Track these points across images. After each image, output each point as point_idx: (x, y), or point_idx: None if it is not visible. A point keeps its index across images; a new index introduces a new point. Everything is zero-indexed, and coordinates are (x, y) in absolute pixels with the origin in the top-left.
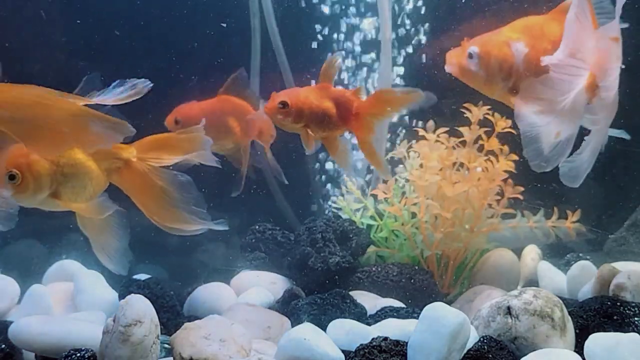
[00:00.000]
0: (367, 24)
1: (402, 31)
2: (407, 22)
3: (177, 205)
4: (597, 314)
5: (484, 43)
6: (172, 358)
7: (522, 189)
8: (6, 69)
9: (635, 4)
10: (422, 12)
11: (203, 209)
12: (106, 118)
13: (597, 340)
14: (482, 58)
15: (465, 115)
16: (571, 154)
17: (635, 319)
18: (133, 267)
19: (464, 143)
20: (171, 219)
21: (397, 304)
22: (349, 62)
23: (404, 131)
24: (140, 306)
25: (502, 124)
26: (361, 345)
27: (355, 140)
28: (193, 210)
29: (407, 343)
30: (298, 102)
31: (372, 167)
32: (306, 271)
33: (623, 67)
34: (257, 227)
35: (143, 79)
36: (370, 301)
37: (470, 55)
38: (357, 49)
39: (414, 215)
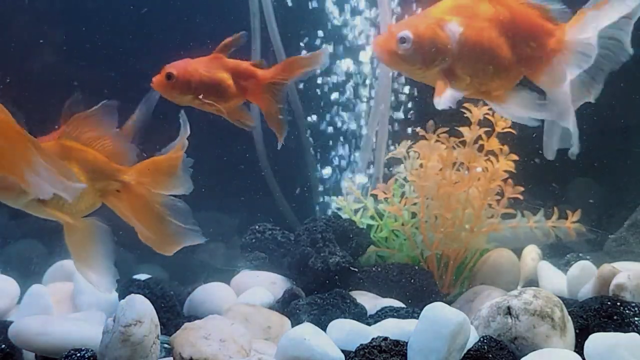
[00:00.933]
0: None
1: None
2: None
3: (171, 230)
4: (597, 314)
5: (415, 26)
6: (172, 358)
7: (522, 189)
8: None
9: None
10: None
11: (199, 234)
12: (56, 168)
13: (597, 340)
14: (416, 42)
15: (465, 115)
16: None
17: (635, 319)
18: (133, 267)
19: (463, 143)
20: (163, 242)
21: (397, 304)
22: (349, 58)
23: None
24: (140, 306)
25: (502, 124)
26: (361, 345)
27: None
28: (187, 235)
29: (407, 343)
30: (185, 74)
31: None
32: (306, 271)
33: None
34: (257, 227)
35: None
36: (370, 301)
37: (403, 40)
38: (357, 44)
39: (414, 215)
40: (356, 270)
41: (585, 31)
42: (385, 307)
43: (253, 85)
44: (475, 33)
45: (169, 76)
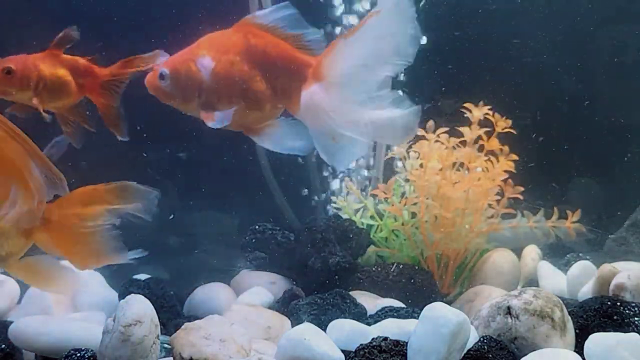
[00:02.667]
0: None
1: None
2: None
3: (101, 253)
4: (597, 314)
5: (172, 63)
6: (172, 358)
7: (522, 189)
8: None
9: (634, 4)
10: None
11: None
12: (50, 166)
13: (597, 340)
14: (172, 78)
15: (465, 115)
16: None
17: (635, 319)
18: (133, 267)
19: (464, 143)
20: (95, 264)
21: (397, 304)
22: None
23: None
24: (140, 306)
25: (502, 124)
26: (361, 345)
27: None
28: (115, 254)
29: (407, 343)
30: (25, 69)
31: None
32: (306, 271)
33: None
34: (257, 227)
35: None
36: (370, 301)
37: (162, 77)
38: None
39: (414, 215)
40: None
41: (340, 60)
42: (385, 307)
43: (91, 82)
44: (225, 67)
45: (8, 71)
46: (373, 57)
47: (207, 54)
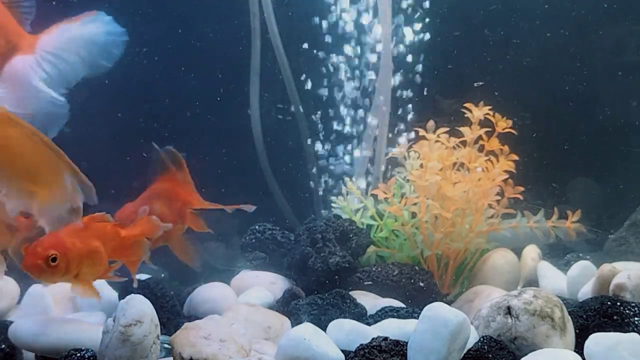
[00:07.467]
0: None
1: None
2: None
3: None
4: (597, 314)
5: None
6: (172, 358)
7: (522, 189)
8: None
9: (635, 5)
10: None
11: None
12: (80, 175)
13: (597, 340)
14: None
15: (465, 116)
16: None
17: (635, 319)
18: None
19: (464, 143)
20: None
21: (397, 304)
22: (349, 64)
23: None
24: (140, 306)
25: (502, 124)
26: (361, 345)
27: None
28: None
29: (407, 343)
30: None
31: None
32: (306, 271)
33: None
34: (257, 227)
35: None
36: (370, 301)
37: None
38: (357, 50)
39: (414, 215)
40: None
41: (54, 41)
42: (385, 307)
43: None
44: None
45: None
46: (81, 52)
47: None
